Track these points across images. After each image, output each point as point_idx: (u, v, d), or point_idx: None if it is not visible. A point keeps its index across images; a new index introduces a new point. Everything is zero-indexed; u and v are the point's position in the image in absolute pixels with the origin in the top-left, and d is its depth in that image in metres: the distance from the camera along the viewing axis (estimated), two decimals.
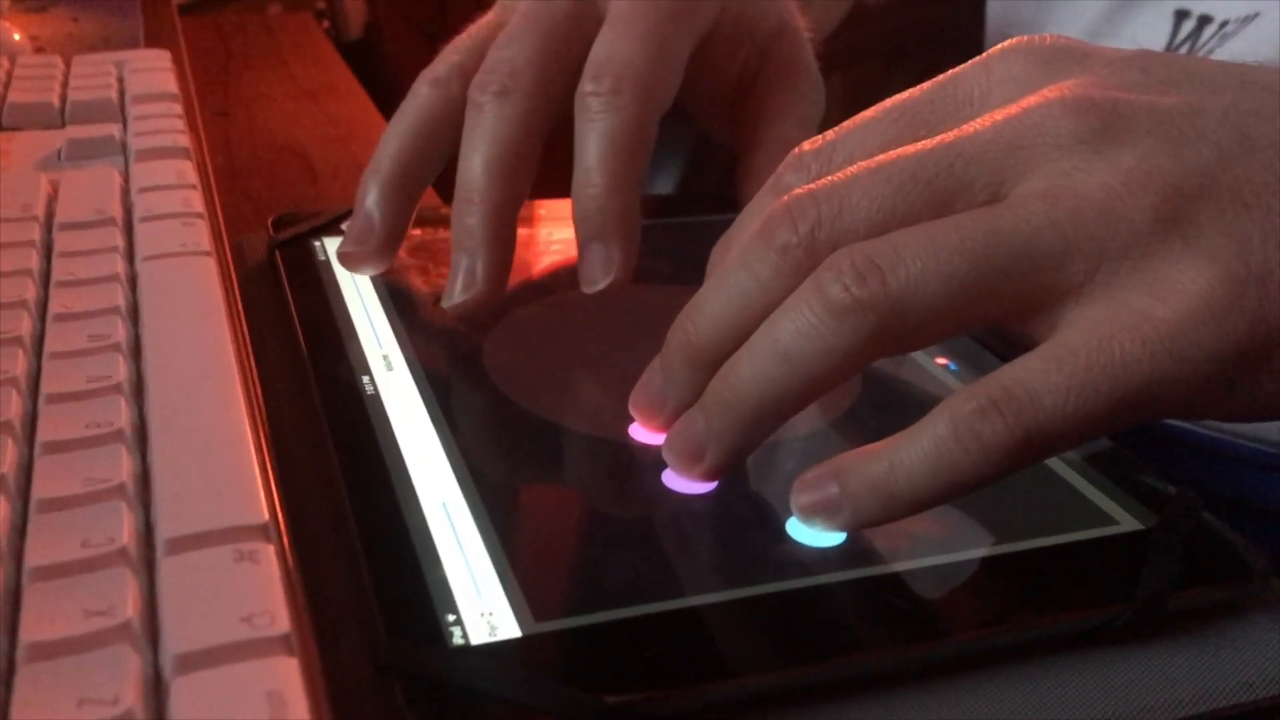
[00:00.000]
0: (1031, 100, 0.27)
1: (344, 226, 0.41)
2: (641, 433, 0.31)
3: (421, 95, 0.40)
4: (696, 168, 0.72)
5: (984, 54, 0.30)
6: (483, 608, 0.25)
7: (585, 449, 0.33)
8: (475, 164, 0.37)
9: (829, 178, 0.28)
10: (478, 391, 0.35)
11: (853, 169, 0.28)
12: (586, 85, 0.37)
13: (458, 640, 0.24)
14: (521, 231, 0.42)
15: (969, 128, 0.27)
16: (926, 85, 0.30)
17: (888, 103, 0.30)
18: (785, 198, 0.28)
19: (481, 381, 0.36)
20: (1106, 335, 0.25)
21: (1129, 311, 0.25)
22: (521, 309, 0.40)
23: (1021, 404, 0.25)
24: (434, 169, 0.40)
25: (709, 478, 0.29)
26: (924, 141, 0.28)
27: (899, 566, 0.27)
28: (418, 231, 0.45)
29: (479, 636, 0.25)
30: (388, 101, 0.69)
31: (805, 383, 0.27)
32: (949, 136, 0.27)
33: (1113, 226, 0.25)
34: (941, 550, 0.28)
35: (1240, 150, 0.26)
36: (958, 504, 0.30)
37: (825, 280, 0.26)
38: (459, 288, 0.37)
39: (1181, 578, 0.27)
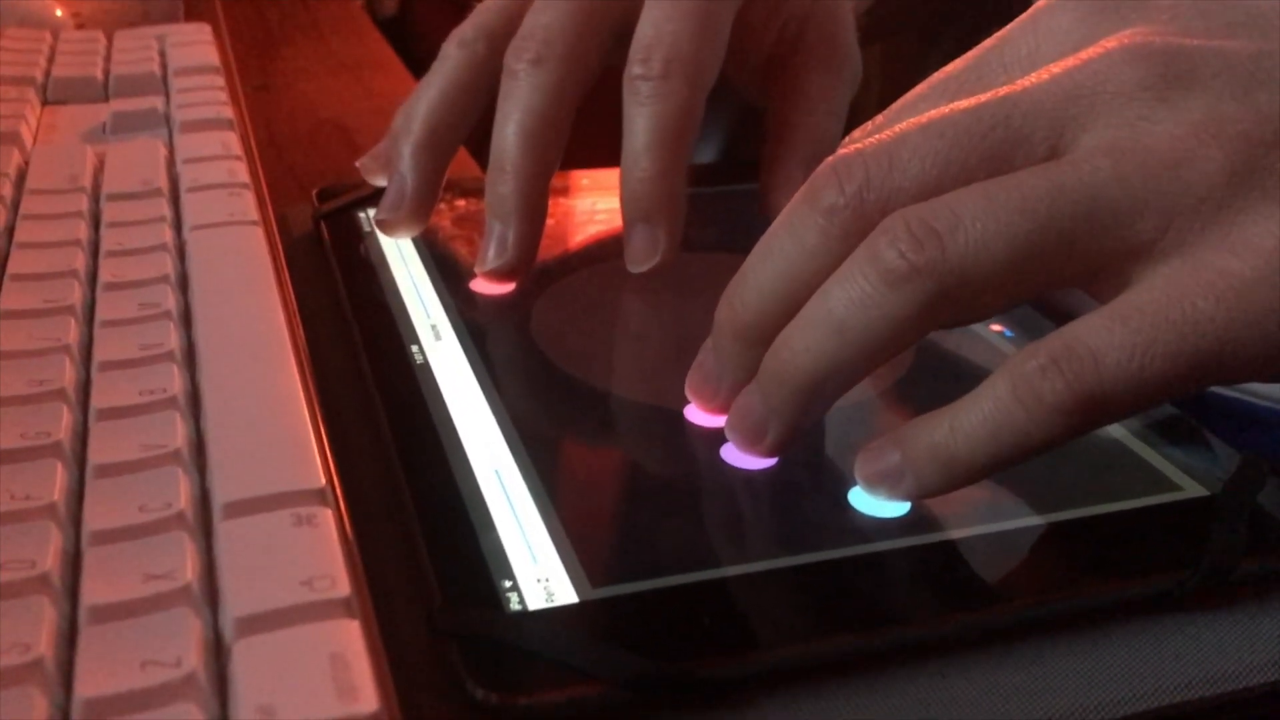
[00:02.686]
0: (1090, 51, 0.26)
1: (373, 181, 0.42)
2: (697, 414, 0.31)
3: (450, 58, 0.40)
4: (740, 134, 0.72)
5: (1029, 11, 0.29)
6: (539, 573, 0.25)
7: (635, 416, 0.33)
8: (509, 133, 0.37)
9: (876, 137, 0.27)
10: (527, 359, 0.35)
11: (901, 126, 0.26)
12: (635, 68, 0.37)
13: (515, 606, 0.24)
14: (567, 201, 0.42)
15: (1025, 81, 0.26)
16: (972, 52, 0.29)
17: (933, 77, 0.29)
18: (830, 159, 0.27)
19: (530, 349, 0.35)
20: (1177, 293, 0.24)
21: (1203, 268, 0.24)
22: (569, 276, 0.40)
23: (1083, 362, 0.24)
24: (463, 131, 0.40)
25: (772, 454, 0.28)
26: (977, 96, 0.26)
27: (962, 534, 0.27)
28: (463, 202, 0.45)
29: (536, 602, 0.24)
30: (423, 76, 0.69)
31: (862, 354, 0.26)
32: (1003, 90, 0.26)
33: (1184, 181, 0.24)
34: (1005, 517, 0.27)
35: None
36: (1021, 471, 0.30)
37: (880, 246, 0.25)
38: (491, 255, 0.37)
39: (1249, 544, 0.26)
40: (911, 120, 0.26)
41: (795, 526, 0.28)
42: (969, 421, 0.25)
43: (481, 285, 0.38)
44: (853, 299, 0.25)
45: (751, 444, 0.28)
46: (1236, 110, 0.25)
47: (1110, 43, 0.26)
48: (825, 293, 0.26)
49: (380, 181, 0.42)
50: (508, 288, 0.38)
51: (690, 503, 0.29)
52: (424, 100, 0.40)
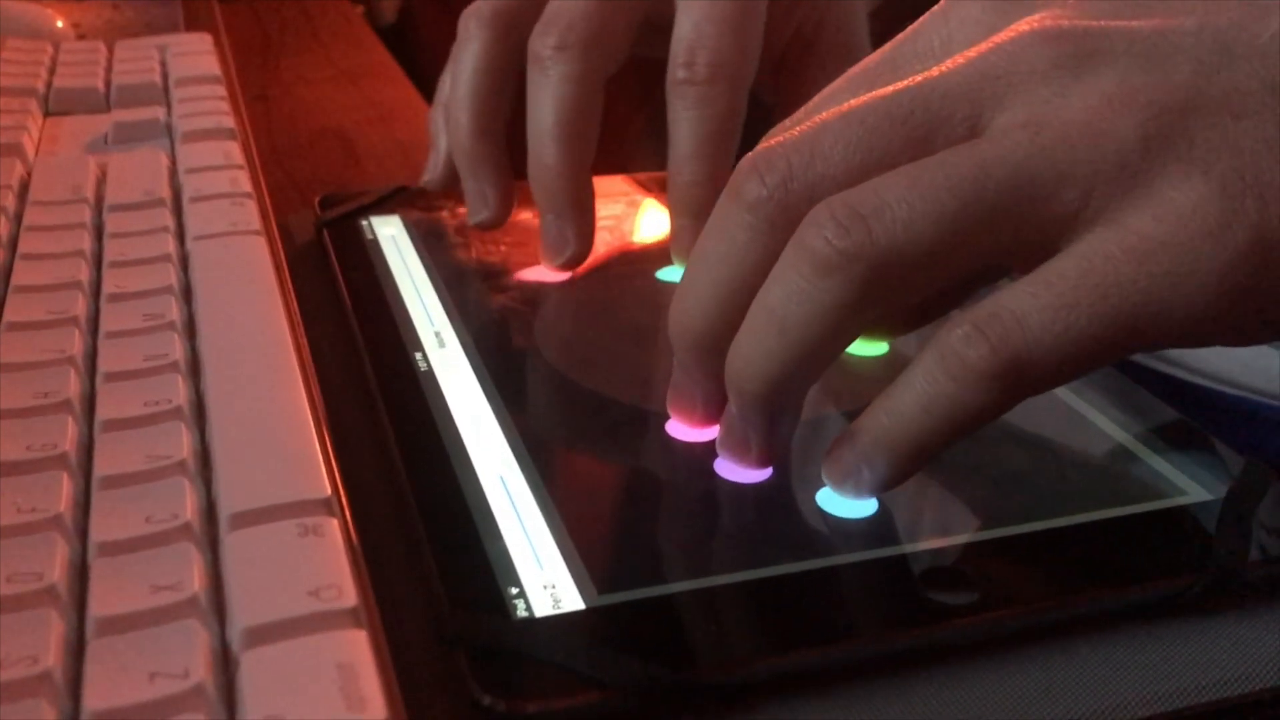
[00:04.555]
0: (1002, 35, 0.26)
1: (425, 180, 0.45)
2: (678, 429, 0.31)
3: (474, 39, 0.41)
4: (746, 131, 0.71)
5: (940, 2, 0.29)
6: (545, 580, 0.25)
7: (640, 423, 0.33)
8: (546, 128, 0.38)
9: (797, 129, 0.27)
10: (531, 366, 0.35)
11: (821, 116, 0.26)
12: (679, 72, 0.38)
13: (521, 613, 0.24)
14: None
15: (941, 66, 0.26)
16: (887, 45, 0.29)
17: (850, 71, 0.29)
18: (750, 154, 0.27)
19: (534, 356, 0.35)
20: (1100, 257, 0.24)
21: (1124, 232, 0.24)
22: (574, 283, 0.40)
23: (1007, 326, 0.24)
24: (507, 112, 0.41)
25: (762, 465, 0.28)
26: (896, 84, 0.26)
27: (965, 539, 0.27)
28: (464, 210, 0.45)
29: (543, 609, 0.24)
30: (424, 84, 0.69)
31: (808, 350, 0.25)
32: (919, 76, 0.26)
33: (1101, 148, 0.24)
34: (1009, 522, 0.27)
35: (1222, 61, 0.25)
36: (1026, 476, 0.30)
37: (808, 237, 0.25)
38: (555, 250, 0.39)
39: (1255, 548, 0.26)
40: (832, 110, 0.26)
41: (802, 533, 0.27)
42: (903, 403, 0.25)
43: (533, 274, 0.40)
44: (789, 295, 0.25)
45: (741, 459, 0.28)
46: (1147, 81, 0.25)
47: (1022, 25, 0.26)
48: (764, 292, 0.26)
49: (438, 183, 0.44)
50: (566, 275, 0.40)
51: (696, 509, 0.29)
52: (463, 106, 0.41)
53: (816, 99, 0.29)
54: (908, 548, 0.27)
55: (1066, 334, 0.23)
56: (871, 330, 0.33)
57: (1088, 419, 0.32)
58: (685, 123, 0.38)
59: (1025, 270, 0.25)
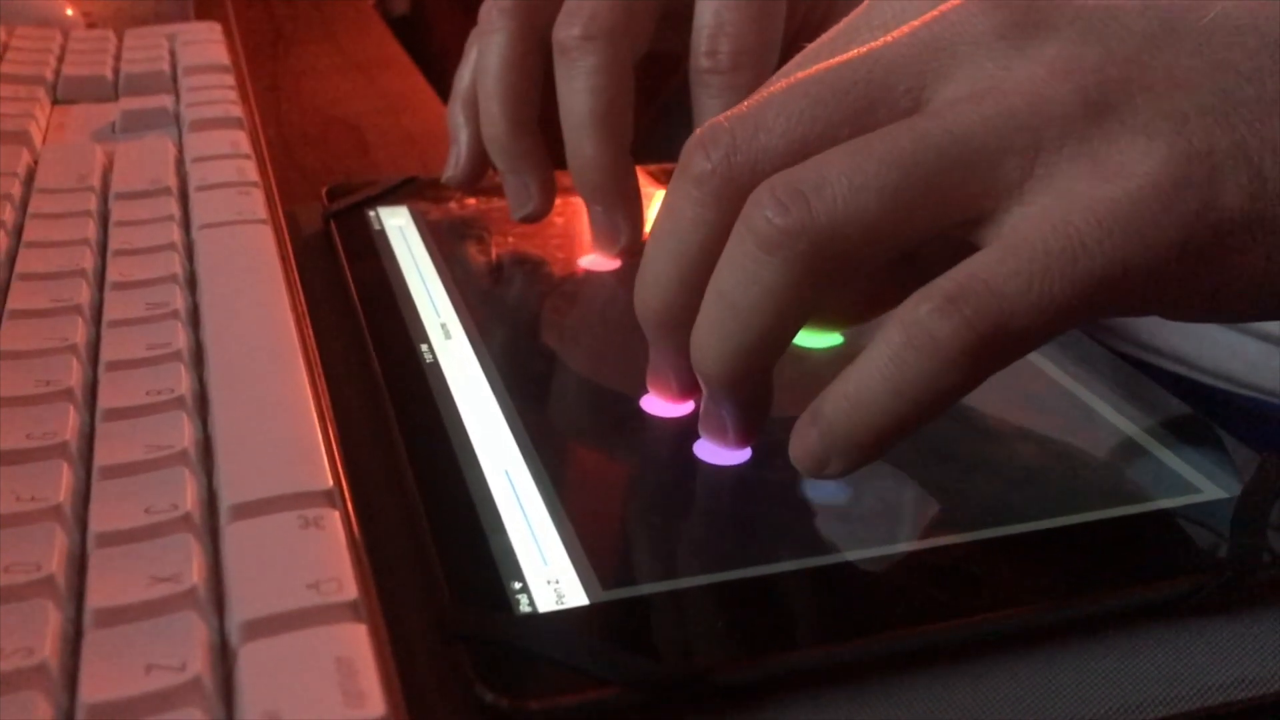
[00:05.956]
0: (947, 4, 0.26)
1: (446, 176, 0.44)
2: (655, 404, 0.31)
3: (499, 31, 0.40)
4: None
5: None
6: (549, 575, 0.25)
7: (646, 417, 0.32)
8: (580, 121, 0.38)
9: (744, 104, 0.26)
10: (537, 359, 0.35)
11: (767, 90, 0.26)
12: (703, 60, 0.38)
13: (525, 608, 0.24)
14: (578, 200, 0.42)
15: (887, 37, 0.26)
16: (843, 20, 0.29)
17: (810, 45, 0.29)
18: (698, 130, 0.26)
19: (541, 349, 0.35)
20: (1058, 222, 0.23)
21: (1077, 196, 0.23)
22: (580, 276, 0.40)
23: (981, 297, 0.23)
24: (537, 102, 0.41)
25: (740, 445, 0.28)
26: (840, 55, 0.26)
27: (976, 536, 0.27)
28: (472, 201, 0.45)
29: (546, 604, 0.24)
30: (434, 75, 0.68)
31: (763, 329, 0.25)
32: (864, 48, 0.26)
33: (1044, 114, 0.24)
34: (1022, 519, 0.27)
35: (1165, 36, 0.24)
36: (1037, 472, 0.29)
37: (750, 216, 0.24)
38: (608, 239, 0.40)
39: (1270, 546, 0.26)
40: (776, 84, 0.26)
41: (809, 529, 0.27)
42: (869, 384, 0.24)
43: (593, 262, 0.40)
44: (737, 275, 0.25)
45: (719, 439, 0.29)
46: (1089, 51, 0.24)
47: None
48: (716, 273, 0.26)
49: (460, 180, 0.43)
50: (619, 262, 0.40)
51: (702, 504, 0.29)
52: (495, 95, 0.40)
53: (776, 74, 0.29)
54: (917, 545, 0.26)
55: (1042, 300, 0.23)
56: (834, 317, 0.33)
57: (1100, 414, 0.32)
58: (710, 111, 0.37)
59: (979, 240, 0.25)
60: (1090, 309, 0.23)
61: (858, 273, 0.25)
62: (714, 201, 0.26)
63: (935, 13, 0.26)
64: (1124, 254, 0.23)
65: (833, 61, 0.26)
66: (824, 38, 0.29)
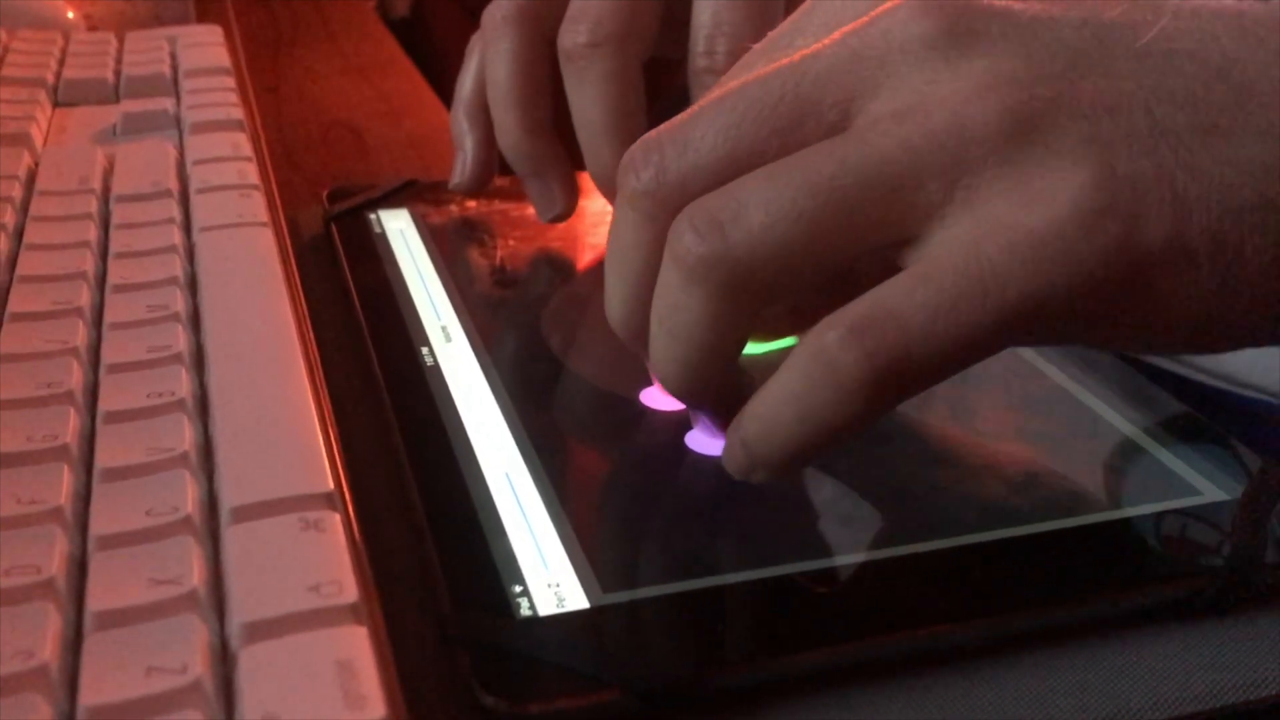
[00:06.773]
0: (879, 9, 0.25)
1: (453, 184, 0.44)
2: (655, 398, 0.32)
3: (503, 42, 0.40)
4: None
5: None
6: (549, 579, 0.25)
7: (647, 420, 0.32)
8: (596, 128, 0.38)
9: (679, 116, 0.26)
10: (538, 362, 0.35)
11: (701, 102, 0.26)
12: (700, 60, 0.37)
13: (525, 612, 0.24)
14: (581, 203, 0.42)
15: (817, 46, 0.26)
16: (786, 20, 0.28)
17: (755, 45, 0.28)
18: (635, 143, 0.26)
19: (541, 352, 0.35)
20: (974, 249, 0.23)
21: (995, 223, 0.23)
22: (581, 279, 0.40)
23: (884, 329, 0.22)
24: (549, 107, 0.41)
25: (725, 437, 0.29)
26: (772, 64, 0.26)
27: (978, 539, 0.27)
28: (473, 204, 0.45)
29: (547, 608, 0.24)
30: (435, 78, 0.68)
31: (701, 352, 0.25)
32: (796, 56, 0.25)
33: (967, 134, 0.23)
34: (1024, 521, 0.27)
35: (1100, 57, 0.24)
36: (1039, 475, 0.29)
37: (672, 244, 0.24)
38: None
39: (1272, 549, 0.26)
40: (708, 97, 0.26)
41: (810, 533, 0.27)
42: (779, 408, 0.24)
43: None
44: (667, 302, 0.25)
45: (709, 434, 0.29)
46: (1017, 69, 0.24)
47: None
48: (654, 298, 0.25)
49: (467, 187, 0.43)
50: None
51: (703, 508, 0.28)
52: (508, 103, 0.40)
53: (723, 77, 0.29)
54: (918, 548, 0.26)
55: (947, 334, 0.22)
56: (777, 330, 0.32)
57: (1100, 416, 0.32)
58: None
59: (902, 263, 0.24)
60: (1003, 341, 0.23)
61: (788, 294, 0.25)
62: (648, 223, 0.25)
63: (868, 18, 0.25)
64: (1038, 285, 0.22)
65: (763, 71, 0.25)
66: (765, 40, 0.28)
